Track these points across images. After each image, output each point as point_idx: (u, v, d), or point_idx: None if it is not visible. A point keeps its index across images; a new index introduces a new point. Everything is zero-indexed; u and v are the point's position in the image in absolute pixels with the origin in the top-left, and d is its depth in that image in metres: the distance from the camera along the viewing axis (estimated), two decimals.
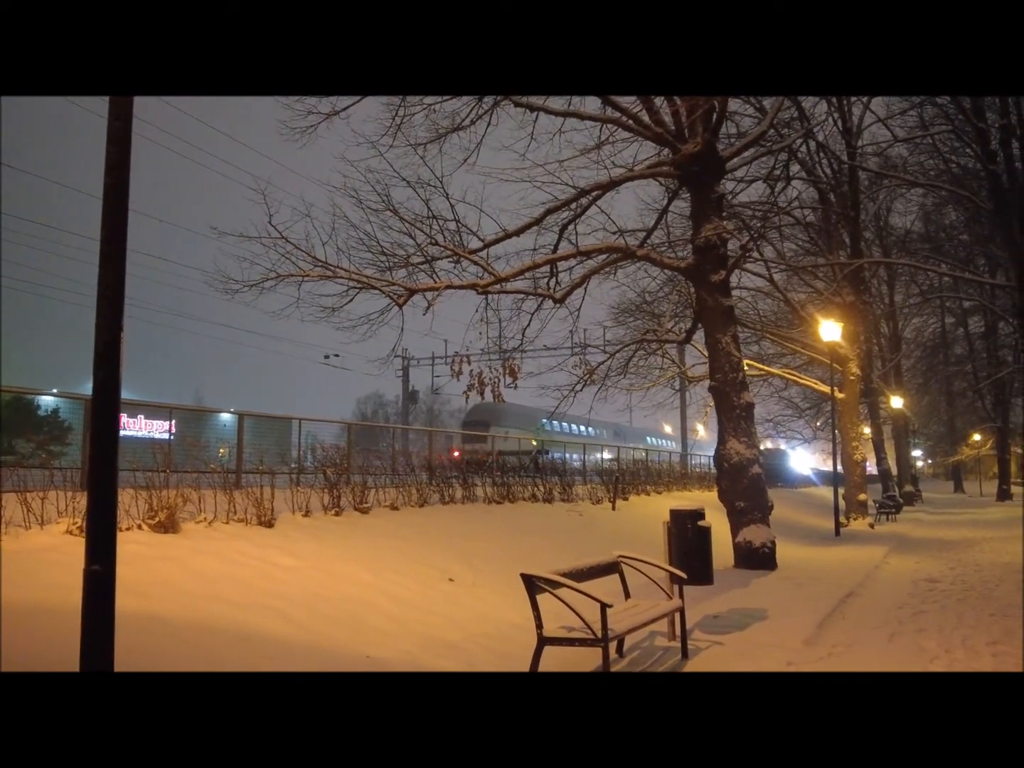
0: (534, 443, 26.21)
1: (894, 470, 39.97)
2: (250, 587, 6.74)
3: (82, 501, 7.18)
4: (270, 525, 8.89)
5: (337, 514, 10.24)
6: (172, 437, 11.78)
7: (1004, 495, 44.27)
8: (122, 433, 12.76)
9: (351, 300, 13.23)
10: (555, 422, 41.94)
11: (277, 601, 6.57)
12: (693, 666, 6.73)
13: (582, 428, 46.44)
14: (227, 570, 6.99)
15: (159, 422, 15.83)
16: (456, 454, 20.77)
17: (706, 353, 19.09)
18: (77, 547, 6.50)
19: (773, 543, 13.23)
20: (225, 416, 14.10)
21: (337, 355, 45.01)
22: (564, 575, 6.05)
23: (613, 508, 16.36)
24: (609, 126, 14.00)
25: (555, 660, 6.04)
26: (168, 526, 7.75)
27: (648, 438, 50.15)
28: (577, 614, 5.69)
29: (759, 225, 20.14)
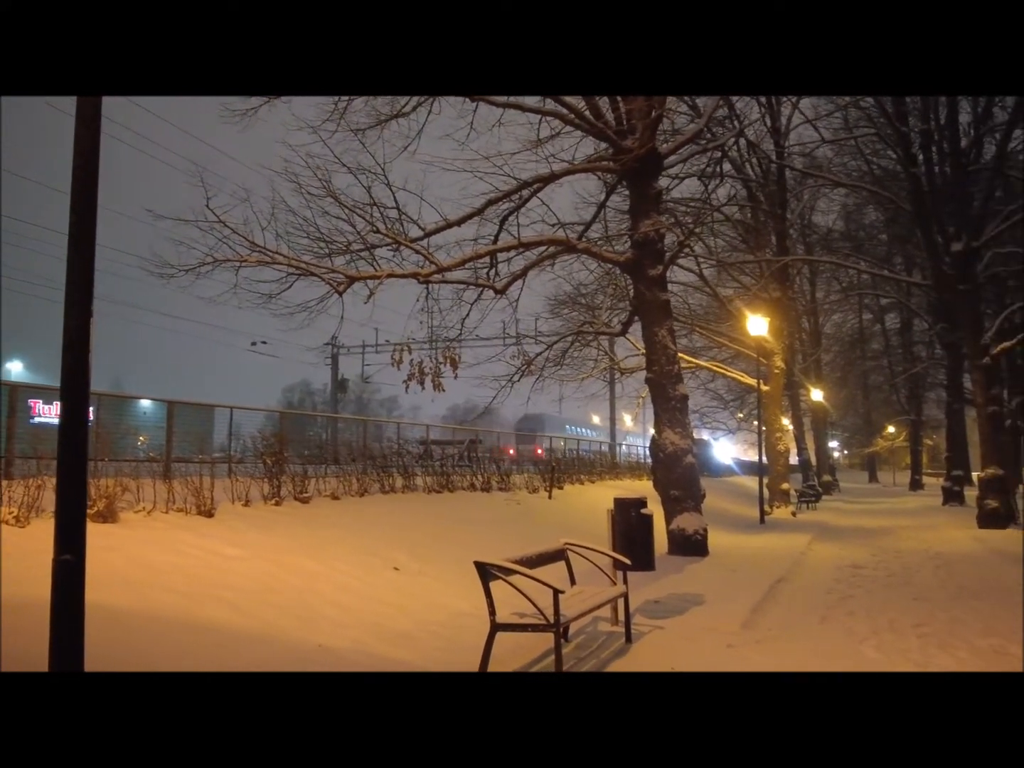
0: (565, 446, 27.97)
1: (813, 460, 41.39)
2: (197, 578, 6.65)
3: (16, 489, 6.98)
4: (210, 515, 8.76)
5: (277, 504, 10.13)
6: (92, 424, 11.40)
7: (916, 485, 46.25)
8: (40, 420, 12.30)
9: (289, 287, 13.05)
10: (570, 426, 54.54)
11: (226, 592, 6.49)
12: (637, 650, 6.91)
13: (586, 430, 57.38)
14: (172, 560, 6.88)
15: None
16: (512, 452, 24.59)
17: (639, 345, 19.48)
18: (12, 536, 6.33)
19: (705, 530, 13.60)
20: (145, 403, 13.75)
21: (265, 342, 44.19)
22: (515, 562, 6.16)
23: (550, 497, 16.56)
24: (550, 119, 14.11)
25: (507, 646, 6.14)
26: (107, 515, 7.58)
27: (628, 436, 52.44)
28: (530, 600, 5.78)
29: (691, 223, 20.54)
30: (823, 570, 12.13)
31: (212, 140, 29.59)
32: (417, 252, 13.66)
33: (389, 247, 13.60)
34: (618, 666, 6.36)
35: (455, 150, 13.91)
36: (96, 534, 6.91)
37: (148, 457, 9.39)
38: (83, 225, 3.34)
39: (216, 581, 6.71)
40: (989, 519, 18.84)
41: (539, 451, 26.77)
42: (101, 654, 4.03)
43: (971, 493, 24.18)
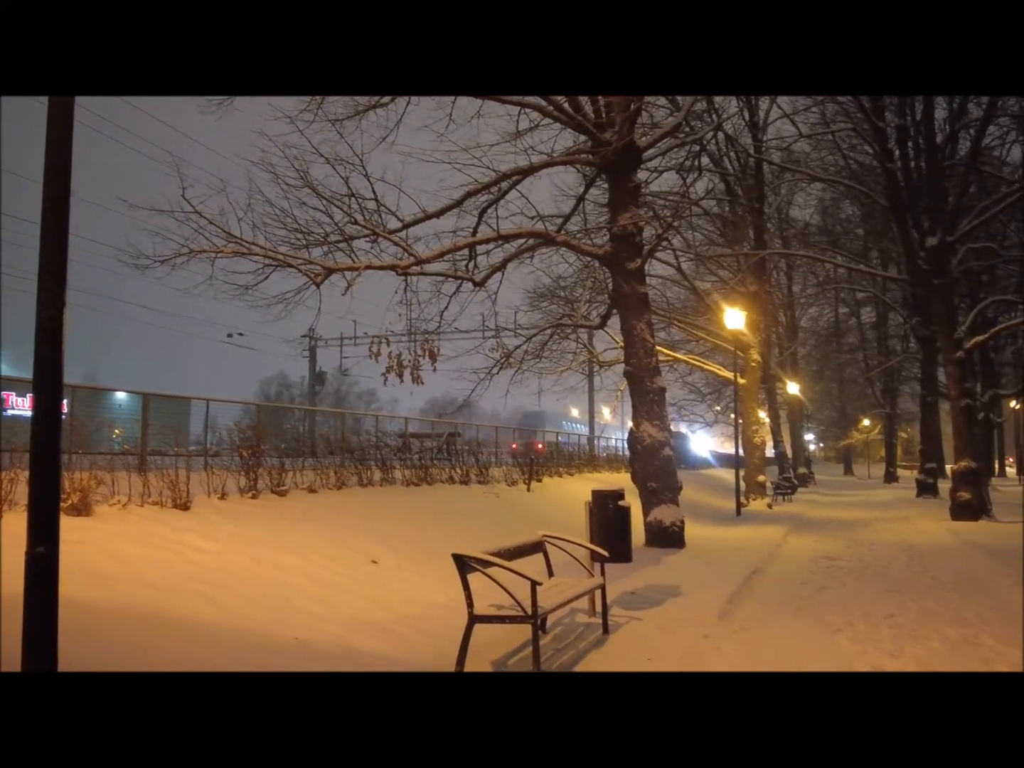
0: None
1: (789, 453, 41.74)
2: (173, 572, 6.60)
3: None
4: (186, 508, 8.69)
5: (254, 497, 10.06)
6: (65, 416, 11.28)
7: (891, 477, 46.77)
8: (13, 412, 12.17)
9: (266, 278, 12.94)
10: (566, 422, 58.90)
11: (201, 586, 6.45)
12: (614, 641, 6.95)
13: (581, 426, 58.94)
14: (148, 554, 6.83)
15: None
16: (514, 446, 25.91)
17: (618, 339, 19.54)
18: None
19: (682, 522, 13.69)
20: (119, 395, 13.62)
21: (241, 334, 43.80)
22: (493, 555, 6.16)
23: (528, 489, 16.59)
24: (529, 111, 14.08)
25: (485, 638, 6.15)
26: (81, 509, 7.51)
27: (616, 431, 53.56)
28: (508, 592, 5.79)
29: (669, 217, 20.60)
30: (798, 562, 12.24)
31: (188, 129, 29.27)
32: (395, 244, 13.61)
33: (367, 239, 13.54)
34: (595, 657, 6.39)
35: (434, 141, 13.87)
36: (70, 528, 6.85)
37: (123, 450, 9.29)
38: (56, 214, 3.29)
39: (192, 575, 6.67)
40: (962, 511, 19.09)
41: (540, 446, 27.64)
42: (75, 650, 4.00)
43: (944, 485, 24.49)
